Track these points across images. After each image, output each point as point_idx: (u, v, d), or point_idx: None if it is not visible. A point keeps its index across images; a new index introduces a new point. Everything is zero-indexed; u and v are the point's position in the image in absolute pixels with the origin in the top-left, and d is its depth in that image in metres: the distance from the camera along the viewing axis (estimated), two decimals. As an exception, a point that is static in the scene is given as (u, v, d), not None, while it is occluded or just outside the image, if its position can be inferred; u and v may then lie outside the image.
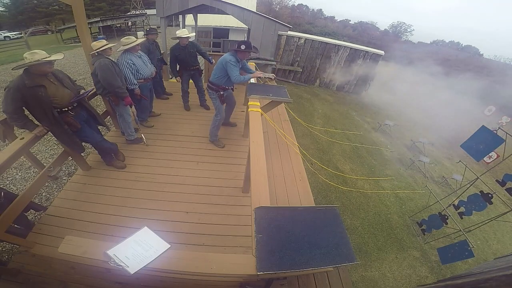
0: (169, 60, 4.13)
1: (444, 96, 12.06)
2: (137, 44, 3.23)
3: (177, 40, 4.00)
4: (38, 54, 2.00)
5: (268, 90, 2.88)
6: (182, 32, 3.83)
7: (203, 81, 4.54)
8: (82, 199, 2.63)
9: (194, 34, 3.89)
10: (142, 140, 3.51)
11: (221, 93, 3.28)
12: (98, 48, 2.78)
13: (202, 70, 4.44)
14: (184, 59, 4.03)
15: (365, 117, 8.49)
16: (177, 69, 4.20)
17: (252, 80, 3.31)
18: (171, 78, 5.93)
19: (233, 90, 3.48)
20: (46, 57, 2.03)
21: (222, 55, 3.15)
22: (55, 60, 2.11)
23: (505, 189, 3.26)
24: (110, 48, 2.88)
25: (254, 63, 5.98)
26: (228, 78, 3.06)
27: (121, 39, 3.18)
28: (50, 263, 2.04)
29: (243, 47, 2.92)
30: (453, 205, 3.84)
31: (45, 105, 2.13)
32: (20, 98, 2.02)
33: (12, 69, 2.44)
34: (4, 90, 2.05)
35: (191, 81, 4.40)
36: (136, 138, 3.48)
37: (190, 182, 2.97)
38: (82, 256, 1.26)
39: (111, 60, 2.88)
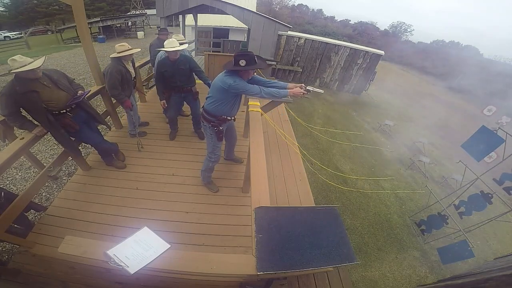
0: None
1: (444, 96, 12.05)
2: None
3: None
4: (17, 62, 1.90)
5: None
6: (170, 44, 2.90)
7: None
8: (82, 199, 2.62)
9: (186, 46, 3.20)
10: (145, 134, 3.71)
11: (220, 128, 2.41)
12: (120, 52, 2.88)
13: (198, 92, 3.42)
14: (172, 78, 3.07)
15: (365, 117, 8.49)
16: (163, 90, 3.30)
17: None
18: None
19: (234, 120, 2.59)
20: (22, 66, 1.91)
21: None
22: (36, 67, 1.96)
23: (503, 188, 3.27)
24: (131, 54, 2.96)
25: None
26: (232, 104, 2.29)
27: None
28: (50, 263, 2.04)
29: (242, 63, 1.99)
30: (453, 205, 3.83)
31: (39, 109, 2.12)
32: (14, 103, 2.01)
33: None
34: None
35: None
36: (139, 132, 3.57)
37: (190, 182, 2.97)
38: (82, 256, 1.26)
39: (123, 67, 2.96)
